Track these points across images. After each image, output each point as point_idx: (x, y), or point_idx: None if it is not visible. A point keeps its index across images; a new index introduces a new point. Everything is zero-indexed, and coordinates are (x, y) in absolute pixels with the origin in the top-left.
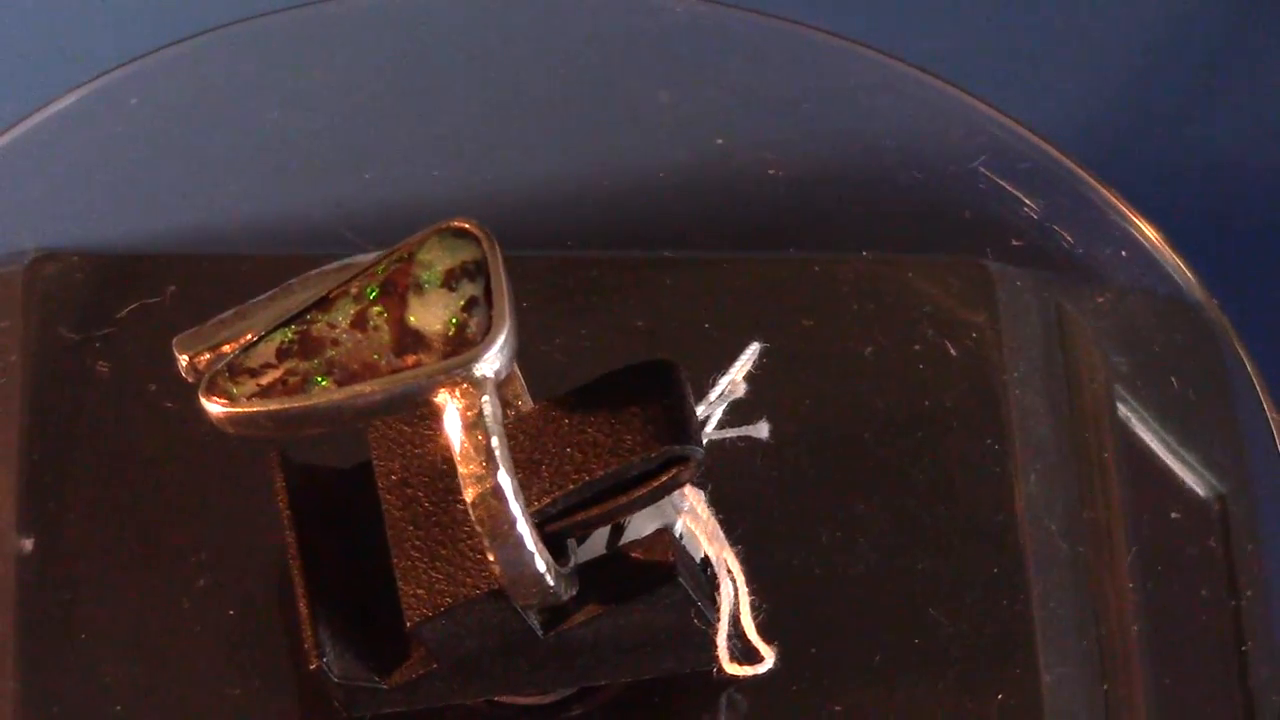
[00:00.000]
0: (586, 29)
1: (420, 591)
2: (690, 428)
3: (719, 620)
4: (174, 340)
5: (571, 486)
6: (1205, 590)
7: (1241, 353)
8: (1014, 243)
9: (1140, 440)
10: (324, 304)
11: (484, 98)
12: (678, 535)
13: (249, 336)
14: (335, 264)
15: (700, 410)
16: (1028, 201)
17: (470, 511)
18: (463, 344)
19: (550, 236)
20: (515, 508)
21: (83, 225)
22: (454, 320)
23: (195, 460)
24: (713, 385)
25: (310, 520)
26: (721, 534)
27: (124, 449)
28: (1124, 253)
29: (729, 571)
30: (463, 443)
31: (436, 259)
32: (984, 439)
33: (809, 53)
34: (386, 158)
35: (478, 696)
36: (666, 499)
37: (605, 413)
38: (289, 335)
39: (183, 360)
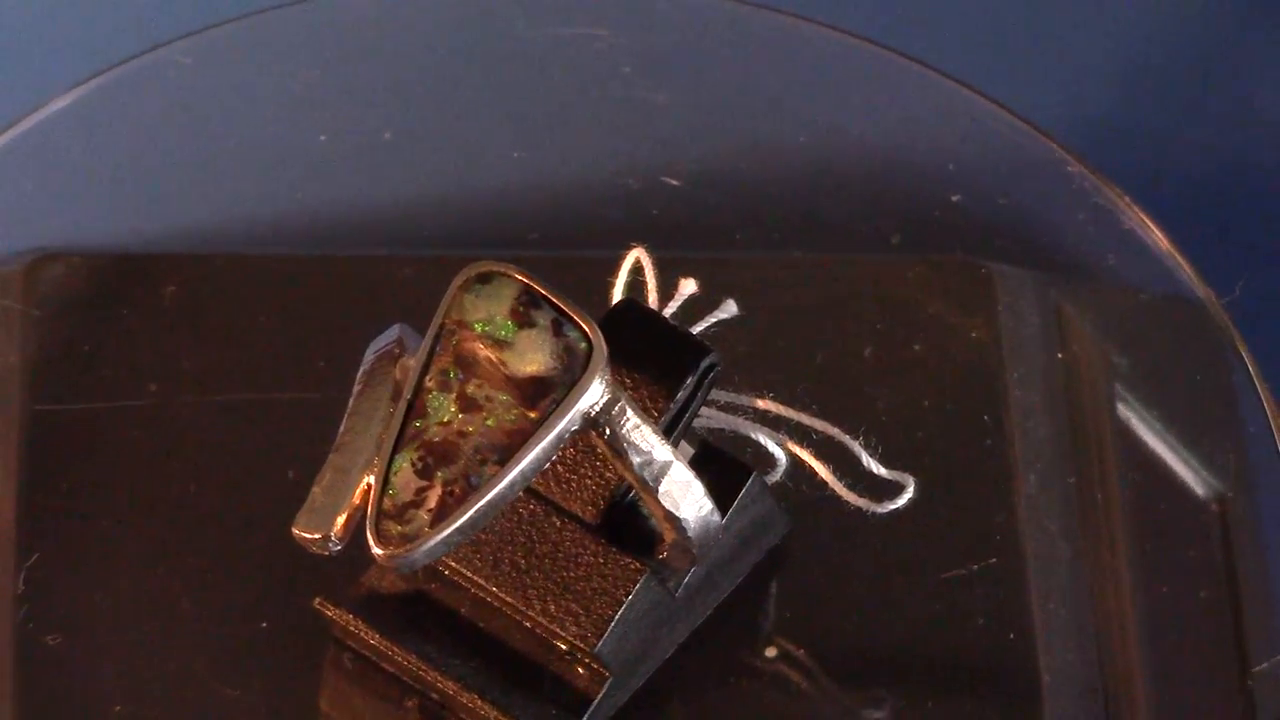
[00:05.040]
0: (585, 28)
1: (578, 619)
2: (695, 339)
3: (827, 483)
4: (294, 528)
5: None
6: (1205, 590)
7: (1242, 352)
8: (1014, 243)
9: (1140, 440)
10: (415, 414)
11: (483, 98)
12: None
13: (369, 482)
14: (359, 387)
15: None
16: (1028, 201)
17: (659, 501)
18: (577, 363)
19: (550, 236)
20: (695, 478)
21: (83, 225)
22: (555, 349)
23: (195, 460)
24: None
25: (395, 633)
26: (776, 404)
27: (124, 449)
28: (1124, 252)
29: (788, 440)
30: (631, 445)
31: (491, 310)
32: (984, 439)
33: (807, 49)
34: (386, 157)
35: (638, 685)
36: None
37: (624, 371)
38: (414, 455)
39: (314, 538)
